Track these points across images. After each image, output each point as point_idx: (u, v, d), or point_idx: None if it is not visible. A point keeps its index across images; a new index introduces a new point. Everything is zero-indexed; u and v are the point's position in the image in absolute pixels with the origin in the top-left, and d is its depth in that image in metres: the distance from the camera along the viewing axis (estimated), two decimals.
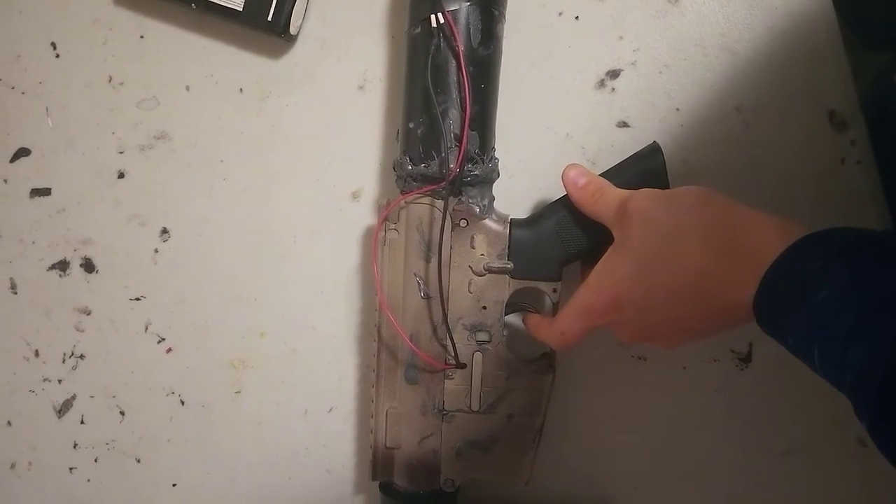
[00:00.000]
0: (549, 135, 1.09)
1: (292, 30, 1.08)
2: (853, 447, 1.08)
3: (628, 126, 1.08)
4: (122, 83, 1.16)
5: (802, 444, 1.10)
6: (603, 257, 0.91)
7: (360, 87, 1.12)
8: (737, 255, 0.79)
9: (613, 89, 1.08)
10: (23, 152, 1.17)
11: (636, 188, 0.93)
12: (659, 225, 0.86)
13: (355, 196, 1.13)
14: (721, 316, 0.83)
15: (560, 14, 1.08)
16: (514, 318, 1.07)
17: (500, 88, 1.00)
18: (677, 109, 1.07)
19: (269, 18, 1.07)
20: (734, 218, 0.82)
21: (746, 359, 1.09)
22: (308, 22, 1.11)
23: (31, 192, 1.18)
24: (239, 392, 1.18)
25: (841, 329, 0.68)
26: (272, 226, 1.15)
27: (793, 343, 0.74)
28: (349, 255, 1.14)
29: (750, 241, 0.79)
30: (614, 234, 0.91)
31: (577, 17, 1.08)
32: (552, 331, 0.96)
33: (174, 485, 1.20)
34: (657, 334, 0.90)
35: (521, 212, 1.07)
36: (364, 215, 1.13)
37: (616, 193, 0.92)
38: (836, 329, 0.68)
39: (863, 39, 1.33)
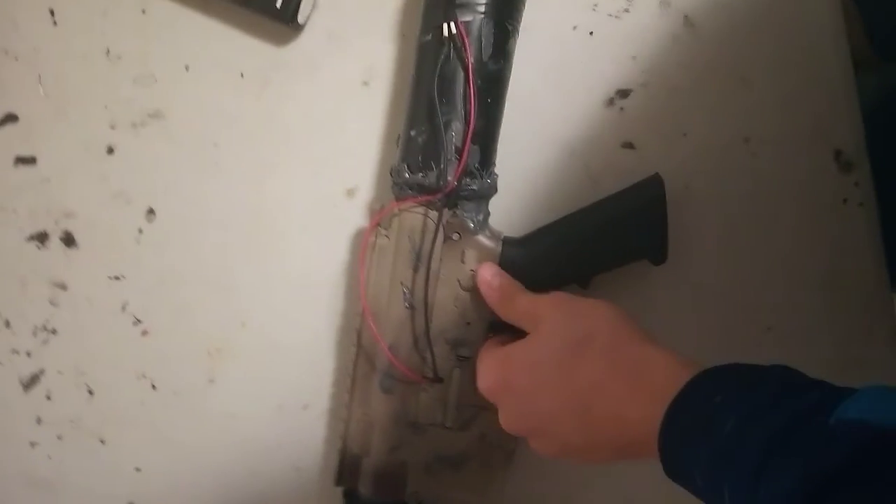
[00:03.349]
0: (554, 149, 1.12)
1: (300, 19, 1.11)
2: None
3: (633, 148, 1.11)
4: (119, 57, 1.18)
5: None
6: (510, 344, 0.97)
7: (365, 83, 1.15)
8: (640, 378, 0.84)
9: (622, 109, 1.11)
10: (10, 118, 1.20)
11: (634, 218, 1.00)
12: (569, 333, 0.92)
13: (350, 193, 1.16)
14: (615, 436, 0.87)
15: (574, 28, 1.11)
16: None
17: (507, 97, 1.04)
18: (684, 134, 1.10)
19: (278, 5, 1.09)
20: (640, 341, 0.88)
21: None
22: (317, 12, 1.14)
23: (15, 160, 1.20)
24: (213, 381, 1.20)
25: (747, 466, 0.70)
26: (262, 215, 1.18)
27: (702, 483, 0.76)
28: (339, 253, 1.17)
29: (654, 367, 0.84)
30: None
31: (591, 33, 1.11)
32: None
33: (137, 469, 1.23)
34: (531, 432, 0.95)
35: (517, 224, 1.10)
36: (358, 214, 1.16)
37: (525, 300, 0.99)
38: (744, 465, 0.71)
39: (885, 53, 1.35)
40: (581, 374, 0.88)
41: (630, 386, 0.84)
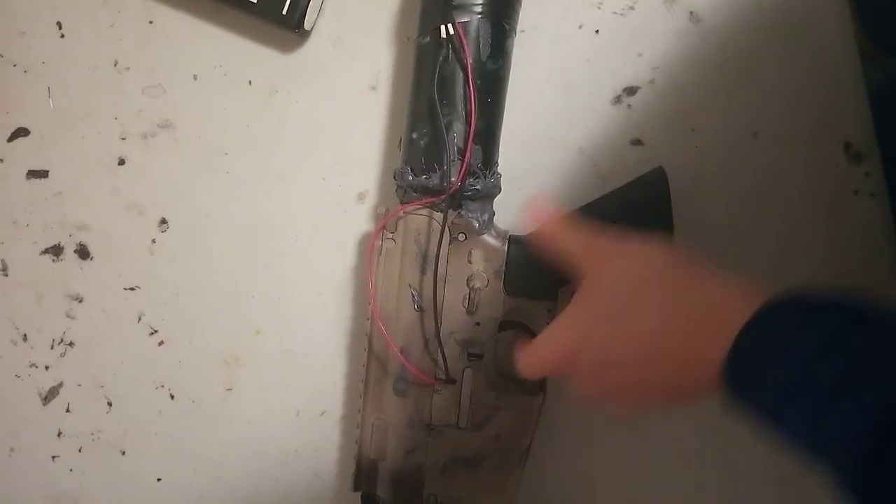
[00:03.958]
0: (561, 148, 1.13)
1: (306, 25, 1.12)
2: None
3: (642, 144, 1.12)
4: (127, 68, 1.20)
5: (797, 473, 1.11)
6: (568, 307, 0.93)
7: (373, 88, 1.16)
8: (703, 316, 0.81)
9: (629, 106, 1.12)
10: (21, 132, 1.22)
11: (638, 213, 0.99)
12: (625, 281, 0.88)
13: (361, 198, 1.17)
14: (682, 379, 0.84)
15: (580, 27, 1.12)
16: (508, 336, 1.08)
17: (514, 98, 1.05)
18: (693, 130, 1.11)
19: (284, 12, 1.11)
20: (700, 278, 0.85)
21: None
22: (323, 18, 1.15)
23: (27, 174, 1.23)
24: (231, 389, 1.22)
25: (820, 393, 0.68)
26: (274, 222, 1.19)
27: (766, 409, 0.74)
28: (351, 258, 1.18)
29: (717, 302, 0.81)
30: (580, 279, 0.93)
31: (597, 31, 1.12)
32: (520, 359, 0.98)
33: (159, 479, 1.25)
34: (614, 394, 0.91)
35: None
36: (369, 218, 1.17)
37: (581, 238, 0.96)
38: (815, 393, 0.69)
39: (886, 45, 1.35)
40: (647, 322, 0.85)
41: (699, 324, 0.82)
